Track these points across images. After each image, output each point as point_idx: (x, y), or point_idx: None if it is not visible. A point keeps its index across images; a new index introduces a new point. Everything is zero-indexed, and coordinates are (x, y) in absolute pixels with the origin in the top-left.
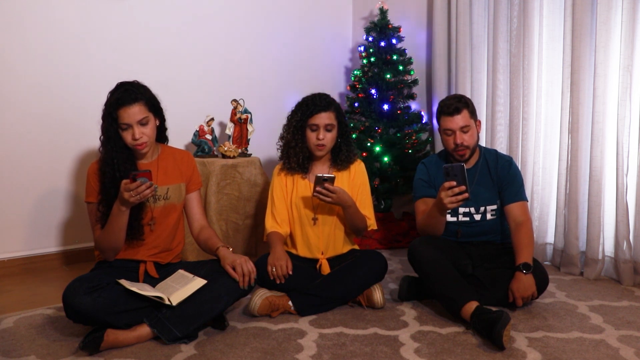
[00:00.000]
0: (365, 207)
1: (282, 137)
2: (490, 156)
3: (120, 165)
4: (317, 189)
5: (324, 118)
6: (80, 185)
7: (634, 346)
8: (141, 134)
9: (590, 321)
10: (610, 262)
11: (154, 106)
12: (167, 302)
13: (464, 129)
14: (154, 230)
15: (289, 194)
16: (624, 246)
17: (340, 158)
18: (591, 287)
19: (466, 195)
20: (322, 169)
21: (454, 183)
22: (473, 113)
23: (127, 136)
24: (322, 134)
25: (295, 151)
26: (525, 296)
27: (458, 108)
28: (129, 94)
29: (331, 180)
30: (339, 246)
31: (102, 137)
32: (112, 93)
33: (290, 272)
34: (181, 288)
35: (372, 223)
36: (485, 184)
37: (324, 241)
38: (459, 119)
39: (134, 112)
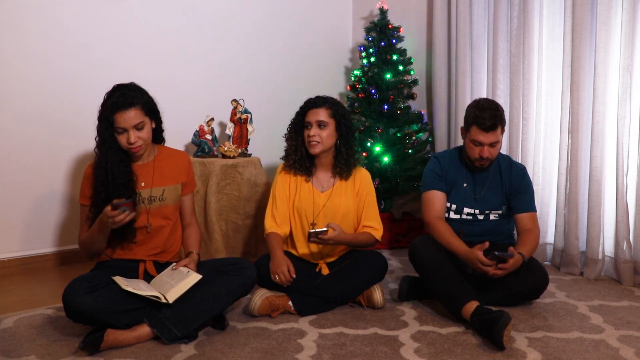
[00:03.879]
0: (372, 217)
1: (285, 138)
2: (504, 162)
3: (114, 168)
4: (312, 239)
5: (315, 114)
6: (79, 186)
7: (634, 346)
8: (136, 138)
9: (590, 321)
10: (610, 262)
11: (151, 110)
12: (163, 301)
13: (493, 144)
14: (151, 231)
15: (291, 197)
16: (624, 246)
17: (339, 161)
18: (591, 287)
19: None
20: (325, 175)
21: (493, 264)
22: (504, 126)
23: (122, 139)
24: (314, 130)
25: (294, 149)
26: (504, 268)
27: (494, 125)
28: (125, 98)
29: (323, 232)
30: (339, 250)
31: (97, 138)
32: (109, 96)
33: (294, 276)
34: (177, 284)
35: (378, 235)
36: (495, 189)
37: (325, 248)
38: (492, 136)
39: (130, 117)
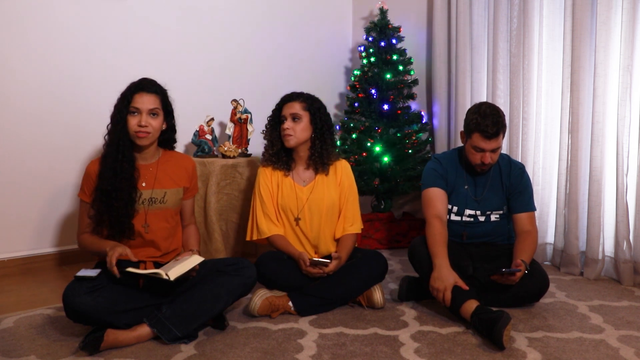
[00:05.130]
0: (353, 209)
1: (263, 134)
2: (503, 162)
3: (125, 149)
4: (312, 265)
5: (290, 107)
6: (79, 186)
7: (634, 346)
8: (147, 123)
9: (590, 321)
10: (610, 262)
11: (167, 108)
12: (164, 277)
13: (494, 150)
14: (149, 233)
15: (274, 195)
16: (624, 246)
17: (314, 154)
18: (591, 287)
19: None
20: (304, 169)
21: (502, 278)
22: (505, 131)
23: (133, 121)
24: (288, 123)
25: (270, 144)
26: (512, 281)
27: (497, 132)
28: (151, 84)
29: (325, 264)
30: (330, 244)
31: (110, 122)
32: (134, 82)
33: (326, 263)
34: (178, 265)
35: (358, 227)
36: (495, 190)
37: (313, 242)
38: (494, 143)
39: (149, 100)
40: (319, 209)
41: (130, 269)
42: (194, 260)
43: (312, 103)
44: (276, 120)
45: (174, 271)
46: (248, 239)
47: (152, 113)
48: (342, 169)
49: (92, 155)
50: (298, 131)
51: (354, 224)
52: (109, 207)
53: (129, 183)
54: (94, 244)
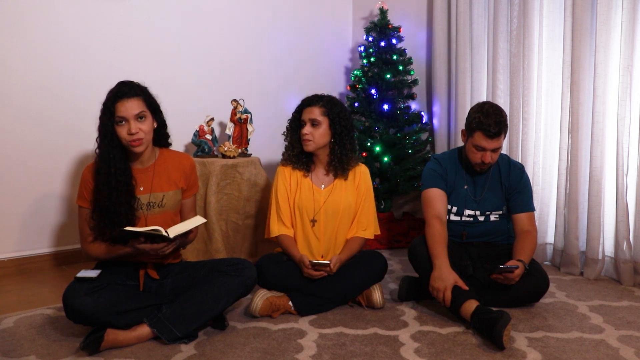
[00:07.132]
0: (369, 214)
1: (284, 136)
2: (502, 162)
3: (117, 162)
4: (315, 269)
5: (309, 113)
6: (77, 187)
7: (634, 346)
8: (137, 129)
9: (590, 321)
10: (610, 262)
11: (152, 106)
12: (163, 234)
13: (495, 150)
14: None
15: (292, 194)
16: (624, 246)
17: (333, 159)
18: (591, 287)
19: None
20: (323, 172)
21: (501, 277)
22: (506, 131)
23: (123, 131)
24: (307, 128)
25: (291, 147)
26: (511, 279)
27: (499, 132)
28: (128, 88)
29: (325, 265)
30: (339, 250)
31: (98, 135)
32: (112, 89)
33: (326, 265)
34: (179, 225)
35: (370, 232)
36: (495, 190)
37: (325, 244)
38: (495, 142)
39: (132, 105)
40: (335, 213)
41: (129, 228)
42: (196, 220)
43: (331, 108)
44: (296, 123)
45: (174, 230)
46: (266, 236)
47: (139, 117)
48: (361, 174)
49: (90, 156)
50: (317, 137)
51: (367, 229)
52: (109, 221)
53: (127, 195)
54: (109, 251)
